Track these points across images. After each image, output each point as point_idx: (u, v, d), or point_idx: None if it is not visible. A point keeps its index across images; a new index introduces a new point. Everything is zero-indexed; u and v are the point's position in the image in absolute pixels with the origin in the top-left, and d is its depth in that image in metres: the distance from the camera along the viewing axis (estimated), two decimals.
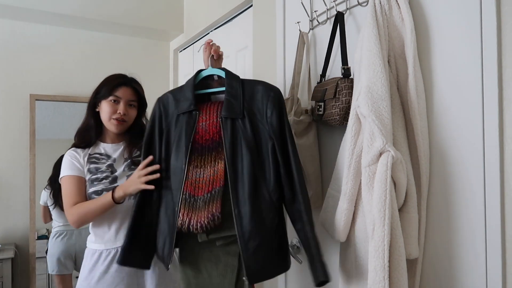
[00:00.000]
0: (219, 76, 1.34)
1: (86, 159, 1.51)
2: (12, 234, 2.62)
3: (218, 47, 1.42)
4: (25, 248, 2.63)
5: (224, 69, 1.32)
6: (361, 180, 1.03)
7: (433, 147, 1.04)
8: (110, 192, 1.39)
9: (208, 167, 1.23)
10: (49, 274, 2.65)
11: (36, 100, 2.68)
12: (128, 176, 1.50)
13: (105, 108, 1.49)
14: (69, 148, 1.57)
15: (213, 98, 1.36)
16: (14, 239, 2.62)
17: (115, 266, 1.45)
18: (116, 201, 1.39)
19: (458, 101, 0.98)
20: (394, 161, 0.93)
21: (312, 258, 1.15)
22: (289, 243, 1.62)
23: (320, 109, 1.28)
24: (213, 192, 1.20)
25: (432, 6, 1.05)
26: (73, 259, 2.48)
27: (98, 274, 1.45)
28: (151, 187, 1.28)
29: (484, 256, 0.93)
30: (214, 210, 1.18)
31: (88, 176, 1.49)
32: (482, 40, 0.93)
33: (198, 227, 1.18)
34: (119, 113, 1.48)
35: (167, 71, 3.17)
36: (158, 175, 1.29)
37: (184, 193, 1.22)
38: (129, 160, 1.54)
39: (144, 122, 1.61)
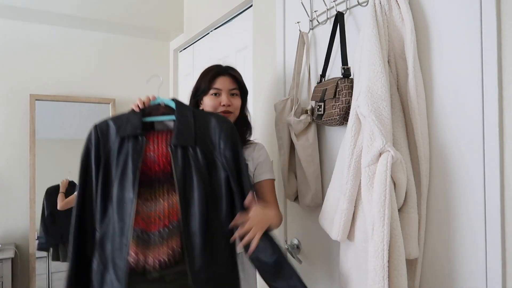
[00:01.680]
0: (165, 105, 1.28)
1: None
2: (12, 234, 2.62)
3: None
4: (25, 248, 2.63)
5: (174, 99, 1.27)
6: (361, 180, 1.03)
7: (433, 147, 1.04)
8: None
9: (161, 200, 1.17)
10: (49, 274, 2.66)
11: (36, 100, 2.69)
12: None
13: (208, 103, 1.40)
14: None
15: (158, 126, 1.27)
16: (14, 239, 2.62)
17: None
18: None
19: (458, 101, 0.98)
20: (394, 161, 0.93)
21: (289, 275, 1.12)
22: (289, 242, 1.62)
23: (320, 109, 1.28)
24: (170, 227, 1.15)
25: (432, 6, 1.05)
26: None
27: None
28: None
29: (484, 256, 0.93)
30: (174, 245, 1.14)
31: None
32: (482, 40, 0.93)
33: (157, 265, 1.12)
34: (223, 105, 1.38)
35: (167, 71, 3.17)
36: None
37: (136, 229, 1.13)
38: None
39: (247, 114, 1.50)
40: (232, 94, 1.42)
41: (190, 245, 1.14)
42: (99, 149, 1.21)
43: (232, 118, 1.41)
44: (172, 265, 1.14)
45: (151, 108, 1.28)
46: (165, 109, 1.28)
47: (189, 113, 1.24)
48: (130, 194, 1.14)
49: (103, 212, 1.18)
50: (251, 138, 1.52)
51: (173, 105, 1.26)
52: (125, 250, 1.11)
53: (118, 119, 1.25)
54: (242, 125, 1.47)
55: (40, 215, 2.69)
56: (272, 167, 1.46)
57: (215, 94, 1.39)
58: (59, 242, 2.71)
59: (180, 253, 1.14)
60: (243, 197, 1.20)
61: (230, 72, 1.43)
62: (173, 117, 1.24)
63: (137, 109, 1.24)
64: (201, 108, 1.43)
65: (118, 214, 1.15)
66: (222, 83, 1.40)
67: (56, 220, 2.70)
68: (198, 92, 1.43)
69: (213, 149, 1.21)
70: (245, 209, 1.17)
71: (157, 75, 1.51)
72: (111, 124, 1.23)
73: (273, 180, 1.44)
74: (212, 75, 1.41)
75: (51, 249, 2.73)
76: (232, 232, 1.18)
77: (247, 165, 1.27)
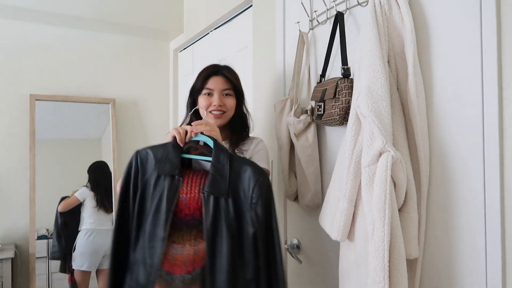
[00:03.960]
0: (204, 144, 1.26)
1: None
2: (12, 234, 2.62)
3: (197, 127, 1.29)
4: (25, 248, 2.63)
5: (213, 139, 1.23)
6: (361, 180, 1.03)
7: (433, 147, 1.04)
8: None
9: (188, 245, 1.16)
10: (49, 274, 2.67)
11: (36, 100, 2.68)
12: None
13: (201, 103, 1.43)
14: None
15: (195, 163, 1.28)
16: (14, 239, 2.62)
17: None
18: None
19: (458, 101, 0.98)
20: (394, 161, 0.93)
21: None
22: (289, 242, 1.62)
23: (320, 109, 1.28)
24: (193, 274, 1.14)
25: (432, 6, 1.05)
26: (100, 257, 2.66)
27: None
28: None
29: (484, 256, 0.93)
30: None
31: None
32: (482, 40, 0.93)
33: None
34: (214, 105, 1.40)
35: (167, 71, 3.17)
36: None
37: (161, 269, 1.13)
38: None
39: (246, 114, 1.51)
40: (225, 94, 1.42)
41: None
42: (137, 179, 1.21)
43: (225, 117, 1.42)
44: None
45: (191, 145, 1.25)
46: (203, 149, 1.25)
47: (226, 160, 1.20)
48: (161, 233, 1.14)
49: (136, 241, 1.19)
50: (252, 135, 1.53)
51: (212, 145, 1.23)
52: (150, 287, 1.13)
53: (158, 151, 1.23)
54: (238, 124, 1.47)
55: (54, 224, 2.73)
56: (268, 159, 1.46)
57: (208, 94, 1.41)
58: (68, 253, 2.71)
59: None
60: (268, 258, 1.15)
61: (224, 73, 1.44)
62: (210, 158, 1.21)
63: (180, 143, 1.22)
64: (197, 108, 1.45)
65: (149, 250, 1.15)
66: (214, 83, 1.42)
67: (68, 228, 2.72)
68: (194, 92, 1.46)
69: (244, 201, 1.17)
70: (272, 269, 1.15)
71: (202, 107, 1.43)
72: (151, 155, 1.22)
73: (267, 171, 1.42)
74: (205, 75, 1.43)
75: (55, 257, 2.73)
76: None
77: (277, 226, 1.21)
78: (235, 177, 1.18)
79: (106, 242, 2.67)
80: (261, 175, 1.18)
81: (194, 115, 1.48)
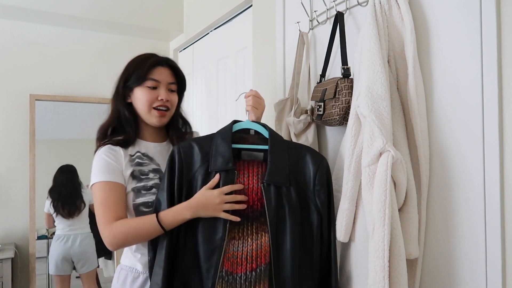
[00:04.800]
0: (256, 131, 1.16)
1: (127, 160, 1.22)
2: (12, 234, 2.62)
3: (256, 98, 1.23)
4: (25, 248, 2.63)
5: (265, 126, 1.15)
6: (361, 180, 1.03)
7: (433, 147, 1.04)
8: (154, 215, 1.08)
9: (249, 239, 1.06)
10: (49, 274, 2.68)
11: (36, 100, 2.69)
12: None
13: (141, 97, 1.21)
14: (99, 147, 1.25)
15: (245, 154, 1.15)
16: (14, 239, 2.62)
17: None
18: (165, 226, 1.07)
19: (458, 101, 0.99)
20: (394, 161, 0.93)
21: None
22: None
23: (320, 109, 1.28)
24: (258, 271, 1.04)
25: (432, 6, 1.05)
26: (70, 262, 2.67)
27: None
28: (237, 219, 1.05)
29: (484, 256, 0.93)
30: None
31: (132, 184, 1.20)
32: (482, 40, 0.93)
33: None
34: (161, 99, 1.21)
35: None
36: (244, 206, 1.07)
37: (221, 270, 1.04)
38: None
39: (183, 113, 1.36)
40: (170, 90, 1.25)
41: None
42: (182, 176, 1.10)
43: (169, 116, 1.27)
44: None
45: (241, 135, 1.16)
46: (254, 138, 1.17)
47: (283, 146, 1.13)
48: (219, 233, 1.05)
49: (184, 244, 1.09)
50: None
51: (266, 133, 1.15)
52: None
53: (204, 144, 1.12)
54: (178, 124, 1.35)
55: None
56: None
57: (153, 87, 1.21)
58: None
59: None
60: (329, 243, 1.11)
61: (170, 63, 1.27)
62: (266, 147, 1.13)
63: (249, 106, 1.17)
64: (129, 101, 1.26)
65: (204, 253, 1.05)
66: (161, 74, 1.22)
67: None
68: (129, 82, 1.23)
69: (306, 188, 1.11)
70: (328, 259, 1.12)
71: (245, 92, 1.29)
72: (196, 148, 1.11)
73: None
74: (150, 63, 1.22)
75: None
76: (319, 279, 1.12)
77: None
78: (294, 163, 1.12)
79: (75, 246, 2.67)
80: (322, 159, 1.13)
81: (128, 110, 1.25)
